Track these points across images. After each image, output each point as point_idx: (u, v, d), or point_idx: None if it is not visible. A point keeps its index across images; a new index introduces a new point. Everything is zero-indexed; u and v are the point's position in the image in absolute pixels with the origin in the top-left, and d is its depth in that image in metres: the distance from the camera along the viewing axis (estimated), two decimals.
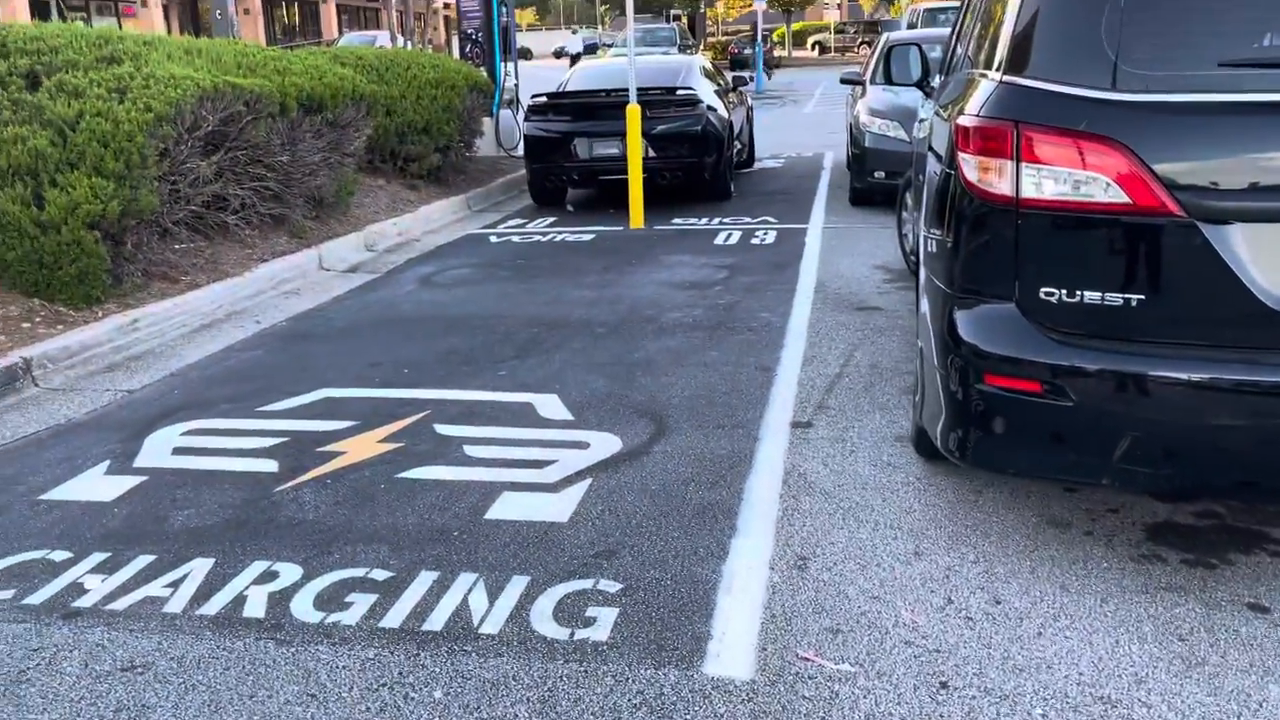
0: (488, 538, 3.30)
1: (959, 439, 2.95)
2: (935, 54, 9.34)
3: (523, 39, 72.99)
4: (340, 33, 38.21)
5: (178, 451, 4.10)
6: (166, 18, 35.16)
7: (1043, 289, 2.71)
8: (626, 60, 11.46)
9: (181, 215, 6.59)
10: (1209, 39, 2.60)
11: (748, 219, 9.21)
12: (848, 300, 6.21)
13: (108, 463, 4.00)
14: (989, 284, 2.82)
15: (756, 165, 12.95)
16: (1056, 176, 2.66)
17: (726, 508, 3.47)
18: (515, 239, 8.76)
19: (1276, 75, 2.51)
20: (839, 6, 54.37)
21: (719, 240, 8.30)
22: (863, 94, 10.03)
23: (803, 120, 19.56)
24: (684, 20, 43.86)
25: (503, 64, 13.63)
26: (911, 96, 8.60)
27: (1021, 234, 2.72)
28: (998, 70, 2.94)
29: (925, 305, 3.44)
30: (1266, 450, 2.59)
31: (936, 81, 5.79)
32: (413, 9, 19.55)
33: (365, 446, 4.08)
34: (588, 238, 8.65)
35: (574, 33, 62.46)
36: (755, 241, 8.19)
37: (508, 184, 11.64)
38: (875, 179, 9.11)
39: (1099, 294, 2.64)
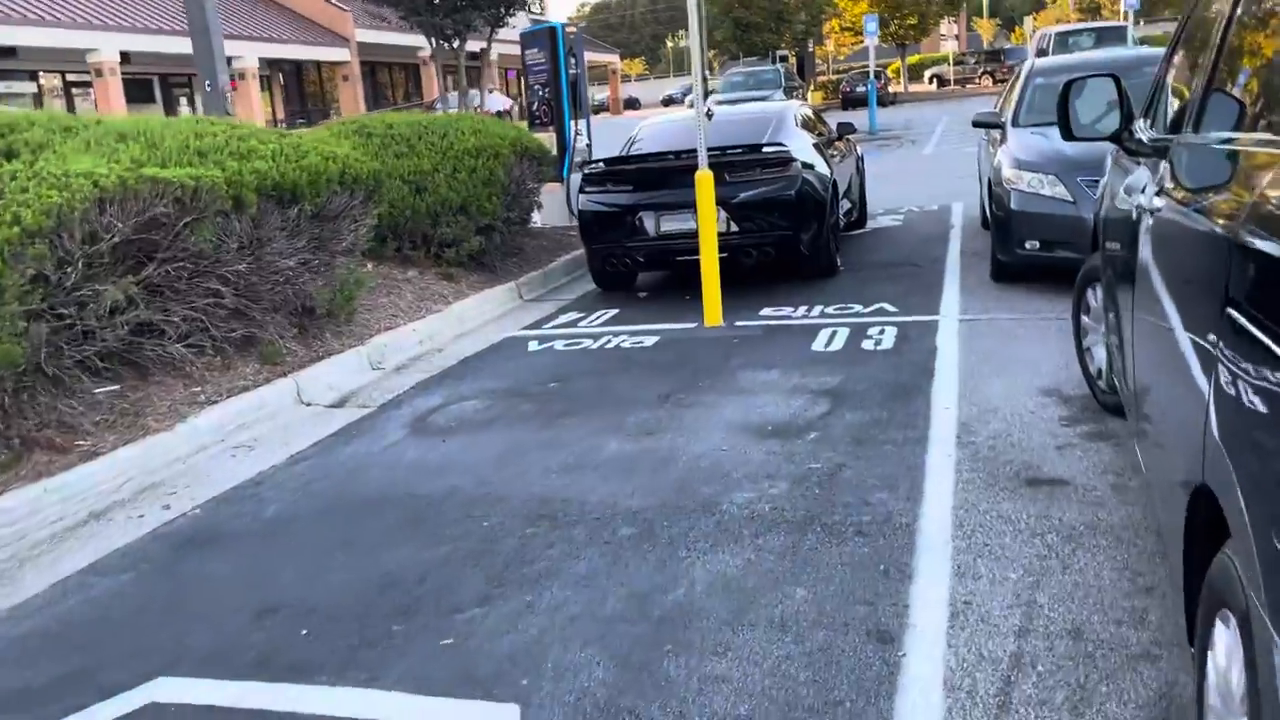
0: None
1: None
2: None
3: (631, 89, 72.76)
4: (441, 94, 37.52)
5: None
6: (269, 88, 35.21)
7: None
8: (716, 111, 9.69)
9: (89, 354, 4.96)
10: None
11: (858, 306, 7.14)
12: (1010, 463, 4.09)
13: None
14: None
15: (870, 225, 10.86)
16: None
17: None
18: (559, 345, 6.91)
19: None
20: (956, 37, 51.52)
21: (819, 344, 6.26)
22: (1003, 139, 7.89)
23: (923, 165, 17.33)
24: (791, 61, 41.95)
25: (573, 122, 11.96)
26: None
27: None
28: None
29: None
30: None
31: (1143, 131, 3.70)
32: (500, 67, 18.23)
33: None
34: (649, 342, 6.72)
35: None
36: (868, 345, 6.11)
37: (571, 262, 9.85)
38: (1026, 251, 6.94)
39: None
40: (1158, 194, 2.75)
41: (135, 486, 4.66)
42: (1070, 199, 6.62)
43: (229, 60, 29.79)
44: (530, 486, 4.29)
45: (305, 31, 34.70)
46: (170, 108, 30.73)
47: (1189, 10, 3.43)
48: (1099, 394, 4.56)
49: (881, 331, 6.41)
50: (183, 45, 27.85)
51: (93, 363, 5.10)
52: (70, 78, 28.05)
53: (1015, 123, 7.92)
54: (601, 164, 8.28)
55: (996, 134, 8.36)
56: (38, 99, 26.92)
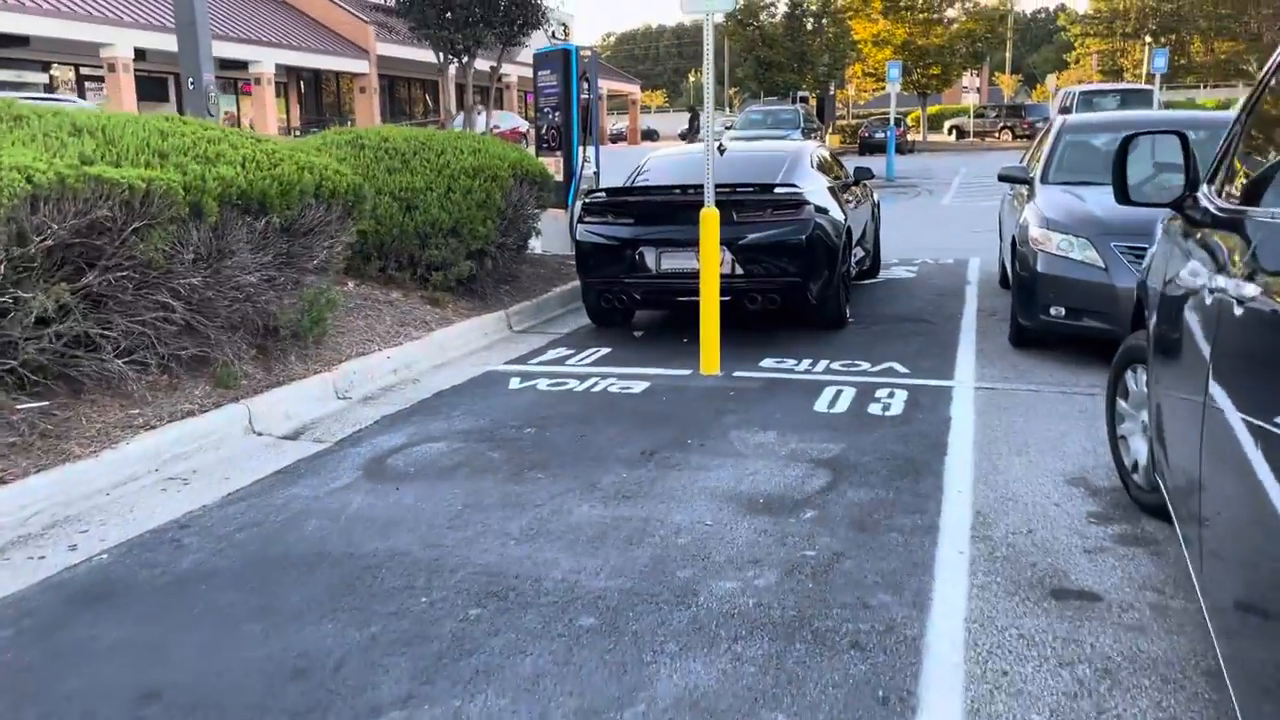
0: None
1: None
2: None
3: (651, 120, 72.65)
4: (455, 113, 37.12)
5: None
6: (285, 95, 34.99)
7: None
8: (729, 147, 9.28)
9: (11, 367, 4.46)
10: None
11: (866, 365, 6.64)
12: (1032, 566, 3.57)
13: None
14: None
15: (883, 275, 10.41)
16: None
17: None
18: (543, 384, 6.40)
19: None
20: (978, 90, 51.29)
21: (822, 404, 5.75)
22: (1030, 196, 7.42)
23: (940, 215, 16.90)
24: (811, 102, 41.70)
25: (581, 149, 11.53)
26: (1103, 201, 6.01)
27: None
28: None
29: None
30: None
31: (1209, 199, 3.22)
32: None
33: None
34: (638, 388, 6.21)
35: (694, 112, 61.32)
36: (875, 410, 5.61)
37: (568, 294, 9.37)
38: (1050, 317, 6.44)
39: None
40: (1247, 278, 2.25)
41: (45, 520, 4.15)
42: (1102, 265, 6.13)
43: (245, 64, 29.58)
44: (484, 554, 3.77)
45: (326, 41, 34.54)
46: (183, 106, 30.44)
47: (1273, 66, 2.95)
48: (1133, 489, 4.05)
49: (890, 395, 5.90)
50: None
51: (19, 376, 4.61)
52: (84, 71, 27.80)
53: (1045, 179, 7.46)
54: (603, 193, 7.82)
55: (1023, 190, 7.90)
56: (49, 90, 26.65)
